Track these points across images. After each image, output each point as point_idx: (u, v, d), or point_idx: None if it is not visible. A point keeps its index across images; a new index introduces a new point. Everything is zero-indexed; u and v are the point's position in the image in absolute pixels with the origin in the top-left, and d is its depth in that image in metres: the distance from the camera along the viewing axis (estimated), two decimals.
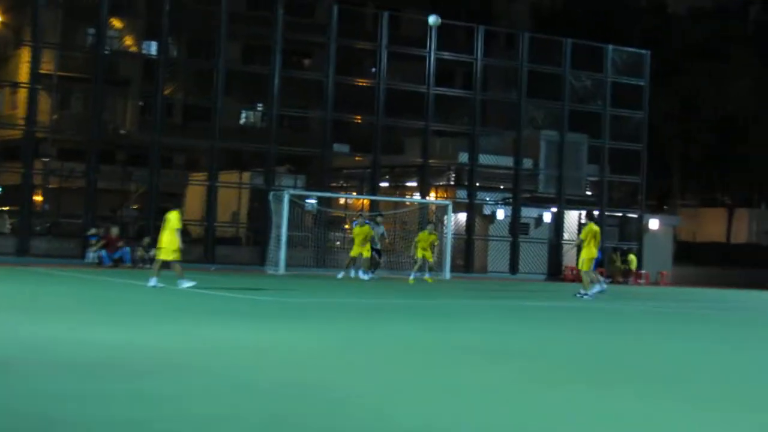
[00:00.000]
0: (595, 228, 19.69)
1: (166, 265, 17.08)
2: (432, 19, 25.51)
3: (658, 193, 47.94)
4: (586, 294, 19.68)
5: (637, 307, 18.28)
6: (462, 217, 33.56)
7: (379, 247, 26.07)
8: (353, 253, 25.05)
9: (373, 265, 25.54)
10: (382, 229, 26.45)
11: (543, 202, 34.99)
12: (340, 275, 25.09)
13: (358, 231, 25.08)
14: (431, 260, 25.34)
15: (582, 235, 19.73)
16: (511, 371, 7.42)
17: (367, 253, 24.97)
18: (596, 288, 20.43)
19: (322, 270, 28.62)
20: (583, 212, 35.77)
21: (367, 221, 25.81)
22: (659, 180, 45.33)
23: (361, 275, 24.97)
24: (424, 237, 25.19)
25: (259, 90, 31.72)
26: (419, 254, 24.98)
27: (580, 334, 11.53)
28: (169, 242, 17.01)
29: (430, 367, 7.42)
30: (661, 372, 7.72)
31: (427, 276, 25.19)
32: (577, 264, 34.13)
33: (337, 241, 32.29)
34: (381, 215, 27.50)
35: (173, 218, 17.22)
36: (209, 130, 29.82)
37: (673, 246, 38.35)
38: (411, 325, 11.56)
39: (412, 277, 25.04)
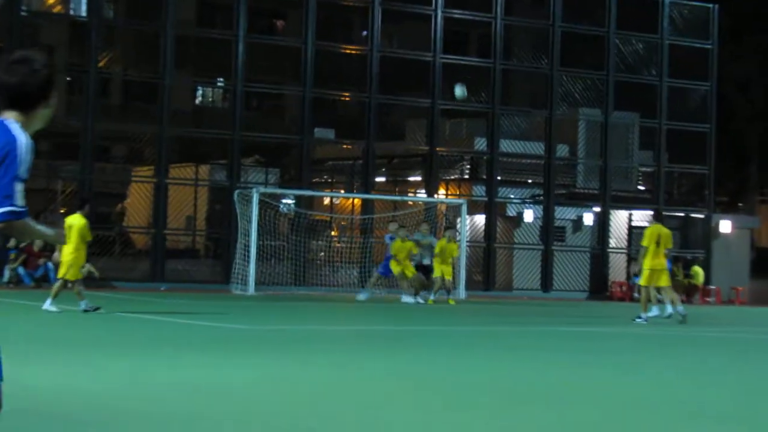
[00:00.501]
0: (663, 231, 19.59)
1: (66, 282, 17.20)
2: (458, 91, 25.58)
3: (731, 187, 48.06)
4: (639, 317, 19.71)
5: (709, 333, 18.40)
6: (480, 219, 33.69)
7: (430, 262, 26.05)
8: (398, 270, 25.24)
9: (422, 285, 25.66)
10: (431, 238, 26.48)
11: (583, 200, 35.13)
12: (413, 300, 25.15)
13: (400, 246, 25.34)
14: (449, 278, 25.48)
15: (644, 241, 19.70)
16: (546, 420, 7.54)
17: (409, 272, 25.29)
18: (653, 311, 20.45)
19: (303, 289, 28.75)
20: (634, 213, 35.94)
21: (409, 235, 26.02)
22: (732, 170, 45.47)
23: (405, 299, 25.19)
24: (444, 245, 25.28)
25: (219, 61, 31.83)
26: (437, 272, 25.11)
27: (639, 369, 11.64)
28: (74, 255, 17.11)
29: (438, 412, 7.54)
30: None
31: (431, 298, 25.27)
32: (628, 277, 34.34)
33: (321, 251, 32.41)
34: (427, 222, 27.56)
35: (78, 224, 17.36)
36: (156, 113, 29.93)
37: (750, 254, 38.49)
38: (414, 358, 11.69)
39: (432, 299, 25.29)
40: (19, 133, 4.13)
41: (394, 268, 25.49)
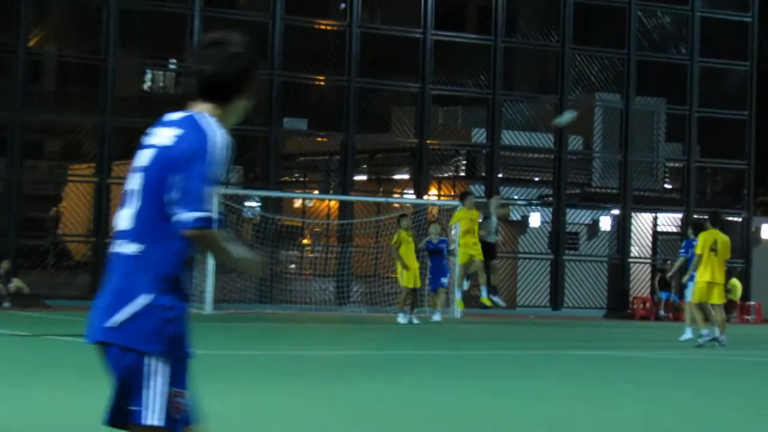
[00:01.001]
0: (720, 237, 19.66)
1: None
2: (567, 117, 25.07)
3: None
4: (701, 336, 19.58)
5: (748, 358, 18.55)
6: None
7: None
8: (407, 282, 24.51)
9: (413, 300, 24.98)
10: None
11: (599, 201, 35.22)
12: (403, 320, 24.61)
13: (404, 237, 24.63)
14: (480, 258, 23.63)
15: (697, 249, 19.77)
16: None
17: (405, 278, 24.56)
18: (687, 334, 20.58)
19: (269, 307, 28.83)
20: (659, 216, 36.03)
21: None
22: None
23: (400, 319, 24.67)
24: (462, 216, 24.22)
25: (171, 39, 31.88)
26: (462, 257, 23.91)
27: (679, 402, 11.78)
28: None
29: None
30: None
31: (485, 297, 23.70)
32: (653, 292, 34.41)
33: (292, 263, 32.50)
34: (497, 198, 25.63)
35: None
36: (97, 101, 29.95)
37: None
38: (390, 388, 11.83)
39: (458, 298, 24.99)
40: (211, 128, 4.18)
41: (407, 276, 24.54)
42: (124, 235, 4.23)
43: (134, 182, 4.25)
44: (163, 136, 4.26)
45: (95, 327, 4.22)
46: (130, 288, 4.17)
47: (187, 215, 4.08)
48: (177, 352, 4.15)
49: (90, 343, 4.20)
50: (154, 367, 4.10)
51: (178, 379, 4.14)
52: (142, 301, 4.13)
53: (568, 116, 24.96)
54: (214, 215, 4.08)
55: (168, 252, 4.15)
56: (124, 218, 4.24)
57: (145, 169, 4.23)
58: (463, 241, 24.11)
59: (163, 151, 4.21)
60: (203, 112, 4.26)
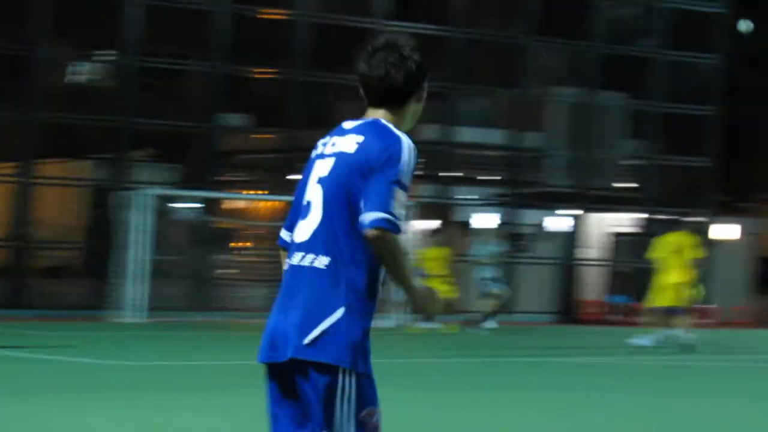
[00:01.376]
0: (682, 238, 20.36)
1: None
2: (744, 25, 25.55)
3: (735, 184, 48.19)
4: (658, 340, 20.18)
5: (706, 363, 18.85)
6: (431, 226, 33.86)
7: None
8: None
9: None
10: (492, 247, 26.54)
11: (553, 201, 35.37)
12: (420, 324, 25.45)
13: (434, 255, 25.54)
14: (455, 295, 25.46)
15: (655, 252, 20.50)
16: None
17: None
18: (644, 340, 21.12)
19: (207, 315, 28.77)
20: (618, 216, 36.19)
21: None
22: (738, 163, 45.71)
23: (423, 324, 25.41)
24: (433, 256, 25.52)
25: (105, 27, 31.78)
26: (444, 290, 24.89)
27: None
28: None
29: None
30: None
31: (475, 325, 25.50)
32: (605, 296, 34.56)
33: (233, 268, 32.47)
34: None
35: None
36: (22, 94, 29.84)
37: (755, 266, 38.78)
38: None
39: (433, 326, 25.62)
40: (398, 133, 4.30)
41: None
42: (307, 247, 4.26)
43: (314, 193, 4.30)
44: (344, 144, 4.32)
45: (285, 345, 4.21)
46: (321, 302, 4.18)
47: (367, 215, 4.12)
48: (368, 366, 4.23)
49: (277, 362, 4.22)
50: (349, 385, 4.16)
51: (370, 396, 4.22)
52: (335, 315, 4.16)
53: (744, 25, 25.51)
54: (399, 221, 4.13)
55: (357, 262, 4.19)
56: (304, 231, 4.28)
57: (328, 179, 4.28)
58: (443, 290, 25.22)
59: (348, 158, 4.27)
60: (381, 118, 4.39)
